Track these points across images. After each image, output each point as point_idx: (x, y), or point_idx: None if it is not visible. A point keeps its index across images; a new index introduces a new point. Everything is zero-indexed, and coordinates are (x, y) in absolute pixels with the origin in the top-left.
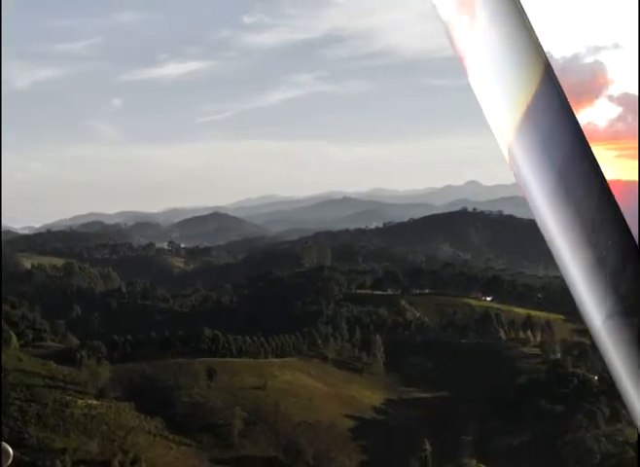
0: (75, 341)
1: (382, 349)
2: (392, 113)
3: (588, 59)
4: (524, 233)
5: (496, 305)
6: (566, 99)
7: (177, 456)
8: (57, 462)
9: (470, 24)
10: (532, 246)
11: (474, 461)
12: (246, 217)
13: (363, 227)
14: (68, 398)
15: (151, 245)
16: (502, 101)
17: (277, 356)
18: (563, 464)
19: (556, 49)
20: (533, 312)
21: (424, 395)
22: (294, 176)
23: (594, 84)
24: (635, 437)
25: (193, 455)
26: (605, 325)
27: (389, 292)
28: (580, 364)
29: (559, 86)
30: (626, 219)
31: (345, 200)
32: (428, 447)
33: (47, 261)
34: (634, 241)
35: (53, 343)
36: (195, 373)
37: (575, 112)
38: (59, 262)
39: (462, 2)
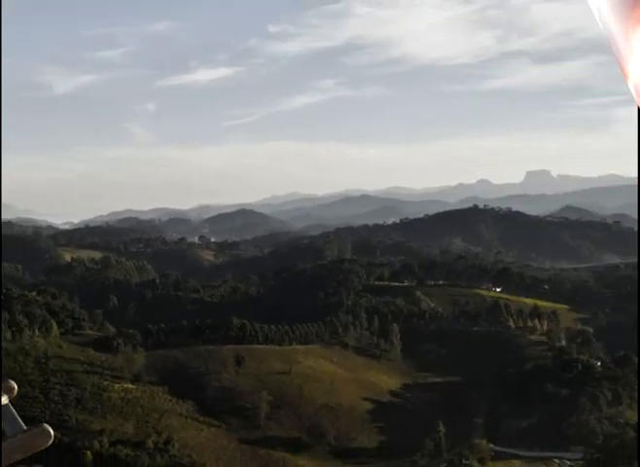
0: (112, 329)
1: (399, 337)
2: (408, 116)
3: None
4: (532, 229)
5: (505, 296)
6: None
7: (207, 437)
8: (95, 442)
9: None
10: (539, 240)
11: (484, 442)
12: (271, 213)
13: (381, 222)
14: (105, 382)
15: (183, 240)
16: None
17: (301, 343)
18: (568, 444)
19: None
20: (540, 302)
21: (438, 380)
22: (316, 175)
23: None
24: (635, 419)
25: (222, 436)
26: None
27: (405, 283)
28: (583, 351)
29: None
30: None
31: (364, 198)
32: (442, 428)
33: (85, 254)
34: None
35: (91, 332)
36: (224, 359)
37: None
38: (97, 255)
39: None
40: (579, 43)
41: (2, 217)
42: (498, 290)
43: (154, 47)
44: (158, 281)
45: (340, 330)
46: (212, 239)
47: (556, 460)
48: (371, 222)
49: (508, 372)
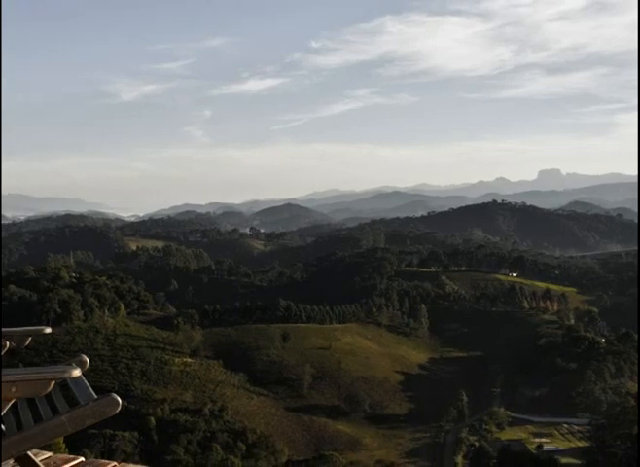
0: (173, 309)
1: (427, 316)
2: (434, 121)
3: None
4: (544, 221)
5: (520, 280)
6: None
7: (257, 405)
8: (158, 410)
9: None
10: (550, 231)
11: (502, 409)
12: (314, 207)
13: (410, 215)
14: (167, 357)
15: (235, 230)
16: None
17: (340, 322)
18: (576, 411)
19: None
20: (551, 286)
21: (461, 354)
22: (353, 173)
23: None
24: (635, 389)
25: (270, 404)
26: None
27: (432, 269)
28: (590, 328)
29: None
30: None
31: (396, 194)
32: (464, 397)
33: (149, 243)
34: None
35: (154, 312)
36: (271, 336)
37: None
38: (160, 244)
39: None
40: (585, 57)
41: (75, 210)
42: (514, 275)
43: (209, 60)
44: (213, 267)
45: (375, 310)
46: (261, 230)
47: (565, 425)
48: (401, 215)
49: (522, 347)
